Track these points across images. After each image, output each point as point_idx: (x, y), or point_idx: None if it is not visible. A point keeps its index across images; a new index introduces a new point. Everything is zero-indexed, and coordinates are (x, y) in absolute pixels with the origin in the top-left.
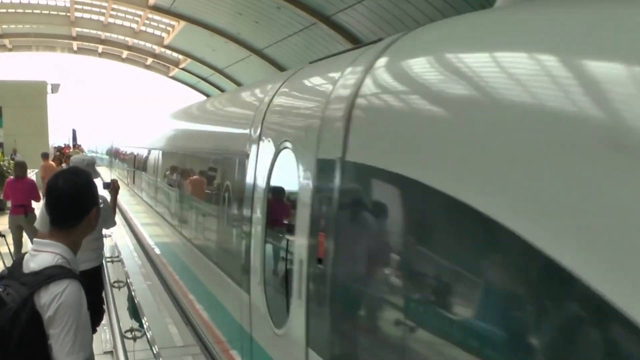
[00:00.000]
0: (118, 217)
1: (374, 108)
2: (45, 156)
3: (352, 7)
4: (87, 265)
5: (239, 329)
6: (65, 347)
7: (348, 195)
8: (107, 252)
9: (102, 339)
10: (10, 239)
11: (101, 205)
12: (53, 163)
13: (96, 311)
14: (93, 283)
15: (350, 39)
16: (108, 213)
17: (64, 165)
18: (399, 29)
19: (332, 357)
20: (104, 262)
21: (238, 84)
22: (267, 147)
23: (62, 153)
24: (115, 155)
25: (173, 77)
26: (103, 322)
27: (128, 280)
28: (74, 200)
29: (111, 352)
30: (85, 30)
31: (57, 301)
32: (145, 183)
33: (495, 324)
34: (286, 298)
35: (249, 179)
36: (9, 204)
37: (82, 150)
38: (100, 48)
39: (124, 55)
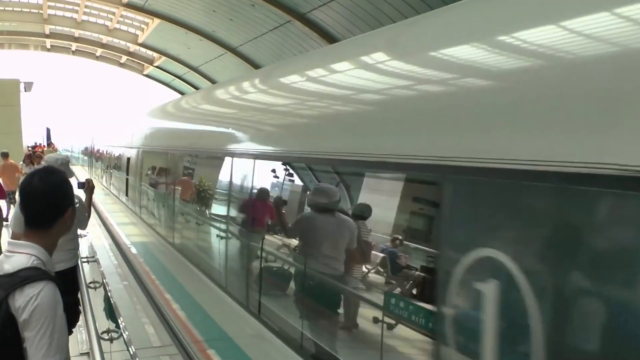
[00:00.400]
0: (94, 217)
1: None
2: (5, 155)
3: (327, 5)
4: (62, 266)
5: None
6: (40, 350)
7: None
8: (82, 252)
9: (78, 340)
10: None
11: (76, 205)
12: (12, 161)
13: (72, 312)
14: (68, 284)
15: (325, 37)
16: (82, 213)
17: (35, 165)
18: (374, 26)
19: None
20: (79, 262)
21: (213, 81)
22: None
23: (34, 152)
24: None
25: (147, 75)
26: (79, 323)
27: (104, 281)
28: (50, 200)
29: (87, 354)
30: (58, 27)
31: (33, 304)
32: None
33: None
34: None
35: None
36: None
37: (56, 149)
38: (74, 46)
39: (98, 53)
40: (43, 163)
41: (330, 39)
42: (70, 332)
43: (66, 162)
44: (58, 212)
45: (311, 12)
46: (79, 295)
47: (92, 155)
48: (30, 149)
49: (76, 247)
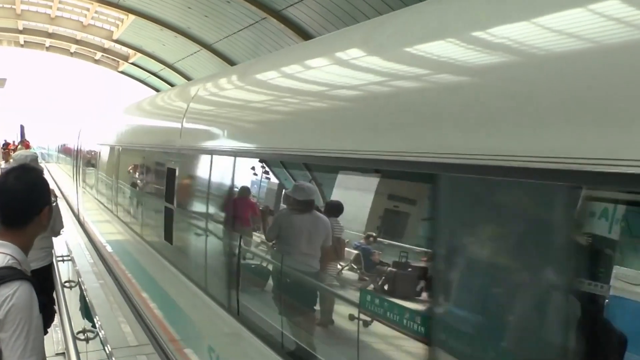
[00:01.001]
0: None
1: None
2: None
3: (303, 2)
4: (36, 265)
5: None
6: (16, 351)
7: None
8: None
9: (53, 340)
10: None
11: (53, 204)
12: None
13: (47, 312)
14: (43, 283)
15: (300, 34)
16: (58, 212)
17: (11, 161)
18: (349, 23)
19: None
20: (54, 261)
21: (188, 78)
22: None
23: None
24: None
25: (123, 72)
26: (54, 323)
27: (79, 280)
28: (26, 199)
29: (63, 354)
30: (32, 23)
31: (8, 304)
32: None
33: None
34: None
35: None
36: None
37: (30, 147)
38: (48, 42)
39: (72, 50)
40: (11, 162)
41: (306, 35)
42: (45, 332)
43: (35, 158)
44: (34, 211)
45: (287, 9)
46: (54, 295)
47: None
48: (2, 147)
49: (50, 245)
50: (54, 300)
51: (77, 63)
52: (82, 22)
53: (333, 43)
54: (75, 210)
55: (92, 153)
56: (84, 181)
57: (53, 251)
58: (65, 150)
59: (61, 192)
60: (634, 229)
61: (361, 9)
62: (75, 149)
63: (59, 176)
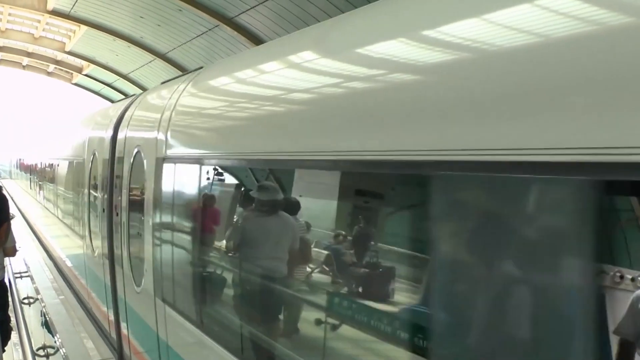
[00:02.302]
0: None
1: None
2: None
3: (254, 9)
4: None
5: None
6: None
7: None
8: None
9: (14, 358)
10: None
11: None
12: None
13: (3, 330)
14: None
15: (253, 40)
16: (10, 229)
17: None
18: (300, 27)
19: None
20: (10, 277)
21: (143, 88)
22: None
23: None
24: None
25: (77, 84)
26: (14, 340)
27: (38, 296)
28: None
29: None
30: None
31: None
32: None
33: None
34: None
35: None
36: None
37: None
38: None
39: (24, 63)
40: None
41: (259, 41)
42: (2, 350)
43: None
44: None
45: (239, 16)
46: (10, 312)
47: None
48: None
49: (2, 262)
50: (9, 317)
51: (30, 76)
52: (33, 34)
53: (267, 53)
54: (32, 226)
55: (48, 167)
56: (39, 195)
57: (8, 267)
58: (21, 166)
59: (17, 208)
60: None
61: (312, 13)
62: (30, 164)
63: (15, 192)
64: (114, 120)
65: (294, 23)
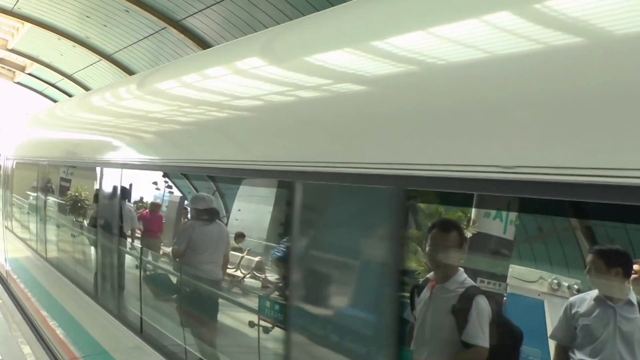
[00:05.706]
0: None
1: None
2: None
3: (202, 12)
4: None
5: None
6: None
7: None
8: None
9: None
10: None
11: None
12: None
13: None
14: None
15: (200, 44)
16: None
17: None
18: (248, 32)
19: None
20: None
21: (87, 89)
22: None
23: None
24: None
25: (19, 83)
26: None
27: None
28: None
29: None
30: None
31: None
32: None
33: None
34: None
35: None
36: None
37: None
38: None
39: None
40: None
41: (206, 45)
42: None
43: None
44: None
45: (186, 18)
46: None
47: None
48: None
49: None
50: None
51: None
52: None
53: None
54: None
55: None
56: None
57: None
58: None
59: None
60: None
61: (259, 18)
62: None
63: None
64: None
65: (241, 28)
